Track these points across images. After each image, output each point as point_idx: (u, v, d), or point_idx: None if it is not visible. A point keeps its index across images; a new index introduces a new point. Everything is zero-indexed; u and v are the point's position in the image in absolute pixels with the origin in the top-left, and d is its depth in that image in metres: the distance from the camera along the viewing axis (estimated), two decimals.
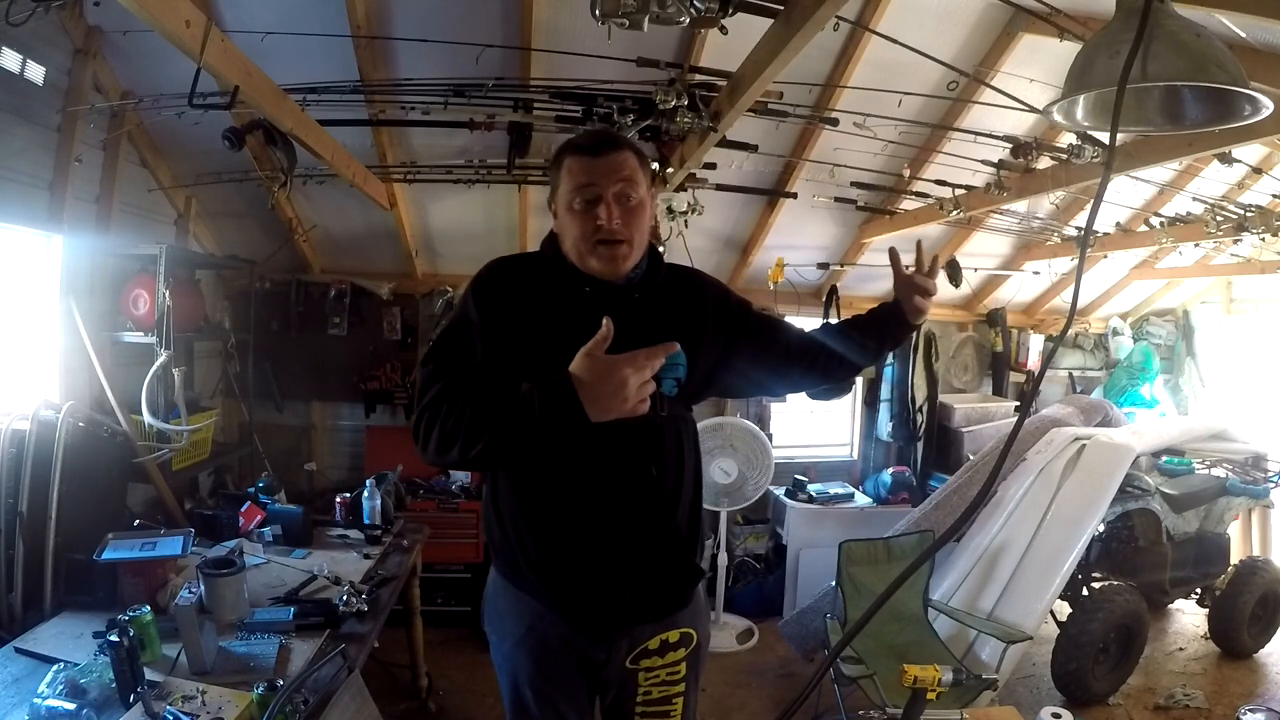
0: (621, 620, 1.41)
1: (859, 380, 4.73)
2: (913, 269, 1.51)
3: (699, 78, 2.45)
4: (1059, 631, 3.10)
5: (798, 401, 4.54)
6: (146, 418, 2.63)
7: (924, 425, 4.68)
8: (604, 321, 1.12)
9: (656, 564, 1.40)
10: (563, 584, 1.37)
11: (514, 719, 1.50)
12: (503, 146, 2.93)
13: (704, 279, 1.51)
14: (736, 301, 1.52)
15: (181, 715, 1.48)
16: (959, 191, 3.33)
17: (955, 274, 4.34)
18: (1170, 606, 3.94)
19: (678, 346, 1.16)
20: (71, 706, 1.44)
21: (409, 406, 4.10)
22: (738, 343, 1.46)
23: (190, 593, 1.81)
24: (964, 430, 4.62)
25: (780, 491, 4.28)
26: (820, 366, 1.53)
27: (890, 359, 4.75)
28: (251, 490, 2.99)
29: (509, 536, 1.41)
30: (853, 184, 3.54)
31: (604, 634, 1.41)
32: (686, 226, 3.52)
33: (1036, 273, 4.85)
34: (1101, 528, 3.23)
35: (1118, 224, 4.22)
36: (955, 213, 3.37)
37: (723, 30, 1.72)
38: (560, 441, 1.15)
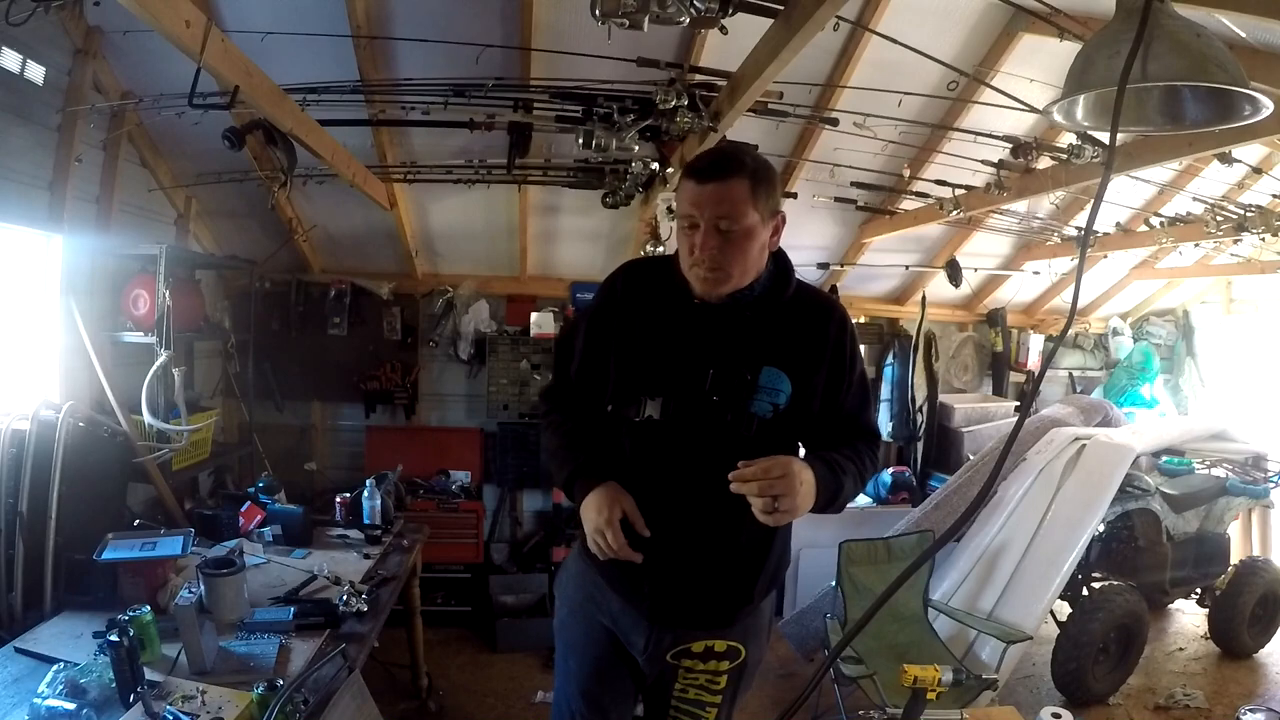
0: (665, 619, 1.44)
1: None
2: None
3: (699, 78, 2.45)
4: (1059, 631, 3.10)
5: None
6: (146, 418, 2.62)
7: (924, 425, 4.68)
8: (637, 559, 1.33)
9: (708, 579, 1.41)
10: (619, 567, 1.39)
11: (558, 685, 1.59)
12: (503, 146, 2.93)
13: (835, 311, 1.46)
14: (853, 348, 1.46)
15: (181, 715, 1.48)
16: (959, 191, 3.33)
17: (955, 274, 4.35)
18: (1170, 606, 3.94)
19: None
20: (71, 706, 1.44)
21: (409, 407, 4.10)
22: (839, 387, 1.42)
23: (190, 593, 1.80)
24: (964, 430, 4.62)
25: None
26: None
27: (890, 359, 4.76)
28: (251, 490, 2.98)
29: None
30: (853, 184, 3.54)
31: (648, 624, 1.45)
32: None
33: (1036, 273, 4.85)
34: (1101, 528, 3.23)
35: (1118, 224, 4.22)
36: (955, 213, 3.37)
37: (723, 30, 1.72)
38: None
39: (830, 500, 1.32)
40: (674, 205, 1.41)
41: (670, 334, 1.38)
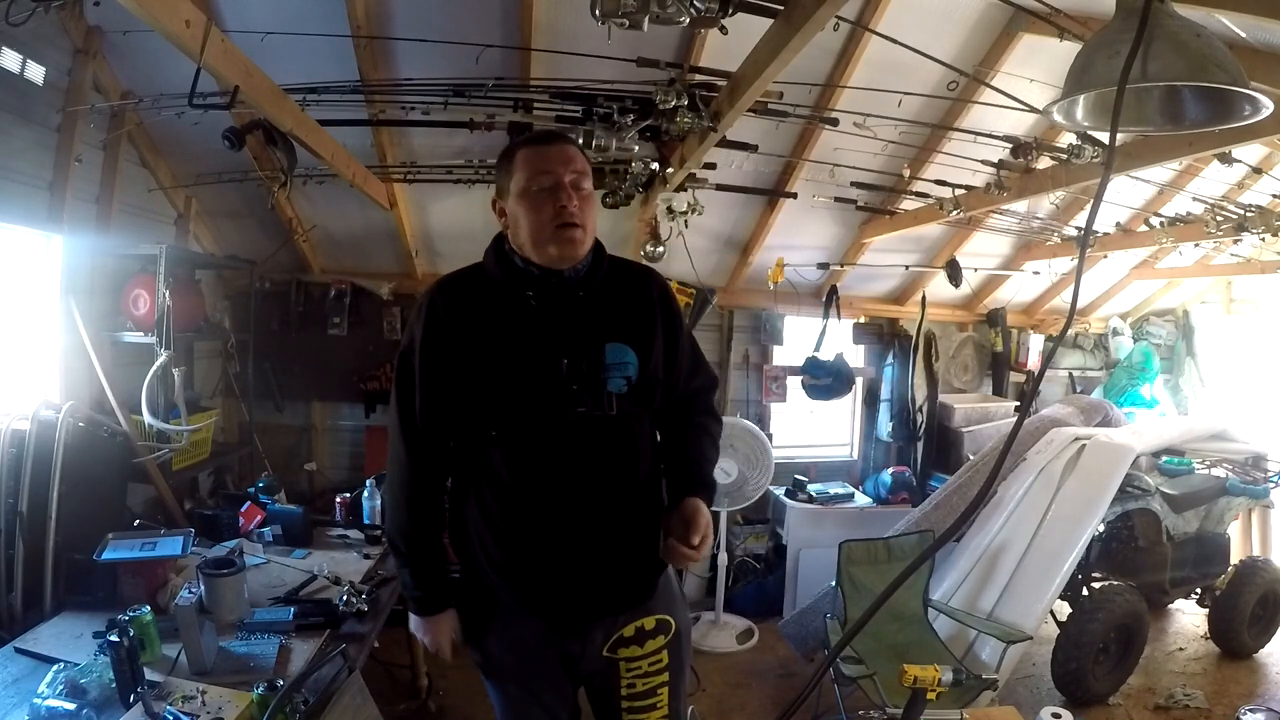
0: (588, 613, 1.43)
1: (859, 380, 4.73)
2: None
3: (699, 78, 2.45)
4: (1059, 631, 3.09)
5: (798, 401, 4.55)
6: (146, 418, 2.62)
7: (924, 425, 4.68)
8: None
9: (614, 558, 1.41)
10: (526, 582, 1.40)
11: (504, 710, 1.54)
12: (503, 146, 2.92)
13: (650, 275, 1.51)
14: (677, 307, 1.51)
15: (181, 715, 1.47)
16: (959, 191, 3.33)
17: (955, 274, 4.35)
18: (1170, 606, 3.93)
19: None
20: (71, 706, 1.44)
21: None
22: (675, 347, 1.48)
23: (190, 593, 1.80)
24: (964, 430, 4.62)
25: (780, 491, 4.28)
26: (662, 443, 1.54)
27: (890, 359, 4.76)
28: (251, 490, 2.98)
29: (472, 540, 1.45)
30: (853, 184, 3.54)
31: (575, 627, 1.43)
32: (686, 226, 3.52)
33: (1036, 273, 4.85)
34: (1101, 528, 3.22)
35: (1118, 224, 4.22)
36: (955, 213, 3.37)
37: (723, 30, 1.72)
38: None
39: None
40: (529, 181, 1.34)
41: (513, 335, 1.35)
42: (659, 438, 1.51)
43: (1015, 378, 5.34)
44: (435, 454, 1.44)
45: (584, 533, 1.38)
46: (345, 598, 2.06)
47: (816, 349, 4.38)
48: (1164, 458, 3.67)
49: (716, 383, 1.62)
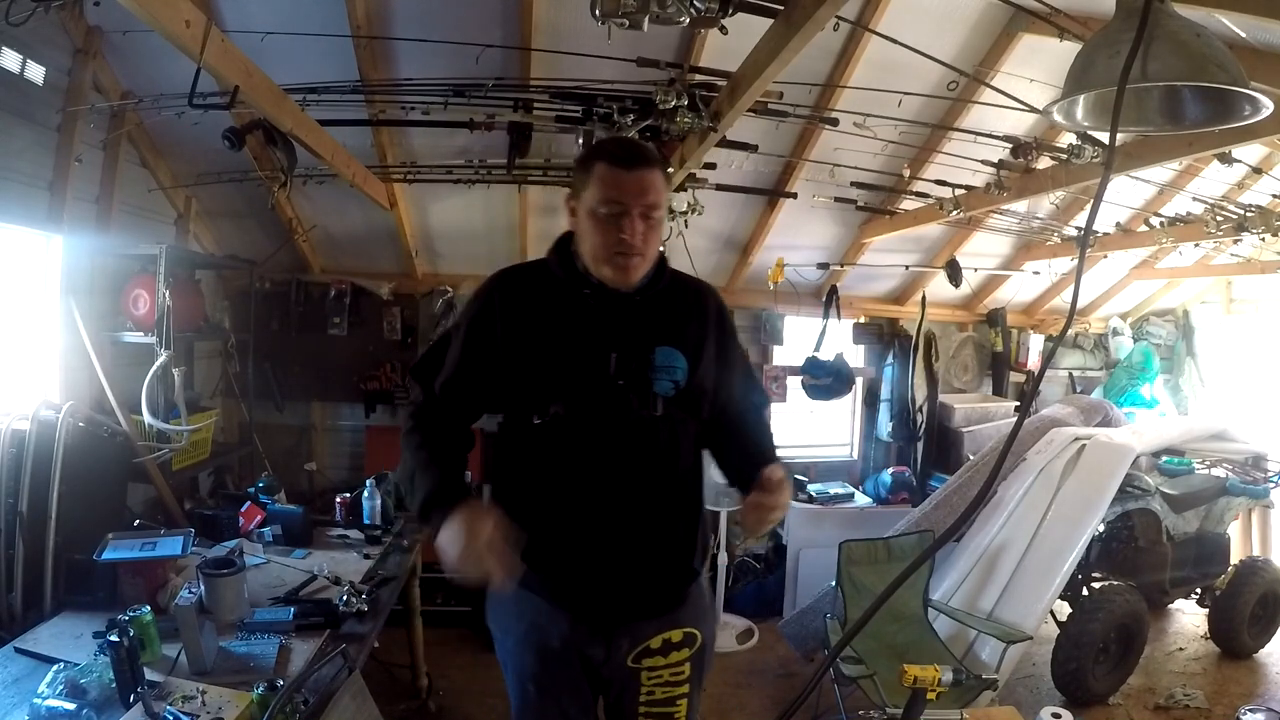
0: (618, 617, 1.42)
1: (859, 380, 4.73)
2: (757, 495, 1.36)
3: (699, 78, 2.45)
4: (1059, 631, 3.09)
5: (798, 401, 4.55)
6: (146, 418, 2.62)
7: (924, 425, 4.68)
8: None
9: (649, 562, 1.41)
10: (559, 579, 1.40)
11: (519, 714, 1.51)
12: (503, 146, 2.93)
13: (707, 290, 1.53)
14: (732, 325, 1.53)
15: (181, 715, 1.47)
16: (959, 191, 3.33)
17: (955, 274, 4.35)
18: (1170, 606, 3.93)
19: None
20: (71, 706, 1.44)
21: None
22: (728, 363, 1.48)
23: (190, 593, 1.80)
24: (964, 430, 4.62)
25: None
26: (720, 453, 1.54)
27: (890, 359, 4.76)
28: (251, 490, 2.98)
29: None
30: (853, 184, 3.54)
31: (603, 630, 1.42)
32: (686, 226, 3.52)
33: (1036, 273, 4.85)
34: (1101, 528, 3.22)
35: (1118, 224, 4.22)
36: (955, 213, 3.37)
37: (723, 30, 1.72)
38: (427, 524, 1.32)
39: None
40: (598, 204, 1.33)
41: (566, 329, 1.37)
42: (707, 452, 1.52)
43: (1015, 378, 5.34)
44: (446, 420, 1.43)
45: (618, 529, 1.38)
46: (345, 598, 2.06)
47: (816, 349, 4.38)
48: (1164, 458, 3.67)
49: (768, 402, 1.62)
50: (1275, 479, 3.69)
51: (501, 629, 1.51)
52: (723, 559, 3.93)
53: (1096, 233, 4.16)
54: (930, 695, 1.46)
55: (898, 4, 2.54)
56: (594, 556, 1.38)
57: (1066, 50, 2.06)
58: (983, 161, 3.11)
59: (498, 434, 1.44)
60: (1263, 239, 3.60)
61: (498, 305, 1.40)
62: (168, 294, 2.71)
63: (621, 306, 1.38)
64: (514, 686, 1.51)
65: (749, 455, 1.46)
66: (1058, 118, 1.25)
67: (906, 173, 3.41)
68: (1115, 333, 5.36)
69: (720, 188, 3.38)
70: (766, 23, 1.80)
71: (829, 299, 4.35)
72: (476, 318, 1.41)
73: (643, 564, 1.40)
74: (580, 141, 2.60)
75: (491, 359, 1.38)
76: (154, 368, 2.68)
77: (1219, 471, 3.69)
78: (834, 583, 2.92)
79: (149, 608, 1.73)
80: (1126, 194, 3.83)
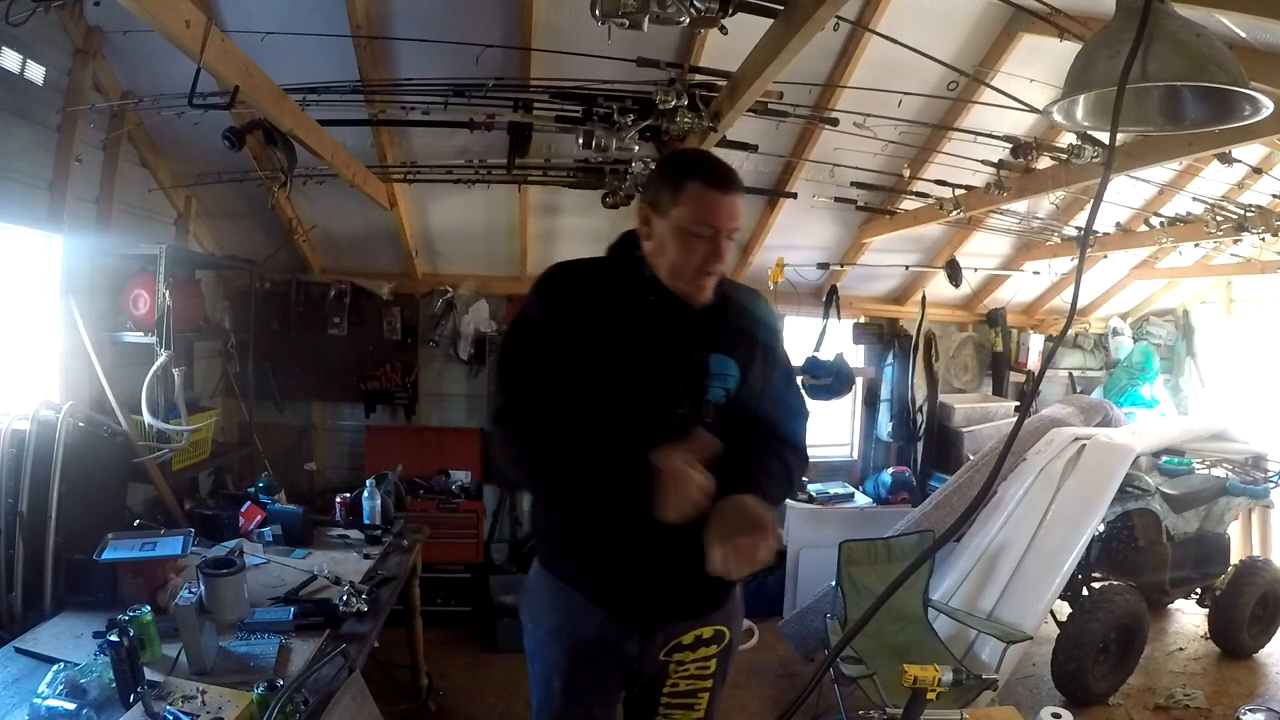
0: (658, 615, 1.44)
1: (859, 380, 4.73)
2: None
3: (699, 78, 2.45)
4: (1059, 631, 3.09)
5: None
6: (146, 418, 2.62)
7: (924, 425, 4.68)
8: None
9: (692, 566, 1.39)
10: (602, 575, 1.41)
11: (540, 705, 1.53)
12: (503, 146, 2.93)
13: (757, 297, 1.55)
14: (778, 331, 1.55)
15: (181, 715, 1.47)
16: (959, 191, 3.33)
17: (955, 274, 4.35)
18: (1170, 606, 3.93)
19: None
20: (71, 706, 1.44)
21: (409, 407, 4.10)
22: (771, 371, 1.49)
23: (190, 593, 1.80)
24: (964, 430, 4.62)
25: None
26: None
27: (890, 359, 4.76)
28: (251, 490, 2.98)
29: (554, 525, 1.46)
30: (853, 184, 3.54)
31: (640, 627, 1.44)
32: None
33: (1036, 273, 4.85)
34: (1101, 528, 3.22)
35: (1118, 224, 4.22)
36: (955, 213, 3.37)
37: (723, 30, 1.72)
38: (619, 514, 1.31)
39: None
40: (690, 223, 1.32)
41: (627, 329, 1.37)
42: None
43: (1015, 378, 5.34)
44: (543, 415, 1.40)
45: (663, 532, 1.35)
46: (345, 598, 2.06)
47: (816, 349, 4.38)
48: (1164, 458, 3.67)
49: (806, 413, 1.55)
50: (1275, 479, 3.69)
51: (534, 620, 1.53)
52: None
53: (1096, 233, 4.16)
54: (930, 695, 1.46)
55: (898, 4, 2.54)
56: (637, 557, 1.39)
57: (1066, 50, 2.06)
58: (983, 161, 3.11)
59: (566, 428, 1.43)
60: (1263, 239, 3.60)
61: (562, 303, 1.40)
62: (168, 294, 2.71)
63: (682, 314, 1.39)
64: (539, 679, 1.53)
65: (743, 469, 1.39)
66: (1058, 118, 1.25)
67: (906, 173, 3.41)
68: (1115, 333, 5.37)
69: None
70: (766, 23, 1.80)
71: (829, 299, 4.35)
72: (546, 318, 1.39)
73: (686, 568, 1.38)
74: (580, 141, 2.59)
75: (562, 357, 1.38)
76: (154, 368, 2.67)
77: (1219, 471, 3.69)
78: (834, 583, 2.92)
79: (149, 608, 1.73)
80: (1126, 194, 3.83)
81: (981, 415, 4.76)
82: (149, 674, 1.60)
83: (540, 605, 1.51)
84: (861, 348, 4.85)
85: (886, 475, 4.43)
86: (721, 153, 2.97)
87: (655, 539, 1.36)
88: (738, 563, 1.24)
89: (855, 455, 4.99)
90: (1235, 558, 3.76)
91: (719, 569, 1.24)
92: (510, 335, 1.46)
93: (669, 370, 1.37)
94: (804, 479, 4.08)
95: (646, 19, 1.58)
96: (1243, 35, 2.00)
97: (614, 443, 1.34)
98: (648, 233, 1.40)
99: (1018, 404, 5.09)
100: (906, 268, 4.55)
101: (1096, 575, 3.35)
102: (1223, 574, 3.62)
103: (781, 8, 1.72)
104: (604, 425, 1.36)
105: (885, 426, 4.68)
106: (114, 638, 1.51)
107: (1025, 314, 5.42)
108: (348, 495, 2.91)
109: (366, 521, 2.79)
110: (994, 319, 5.15)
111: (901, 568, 2.79)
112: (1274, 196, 3.68)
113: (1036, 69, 2.77)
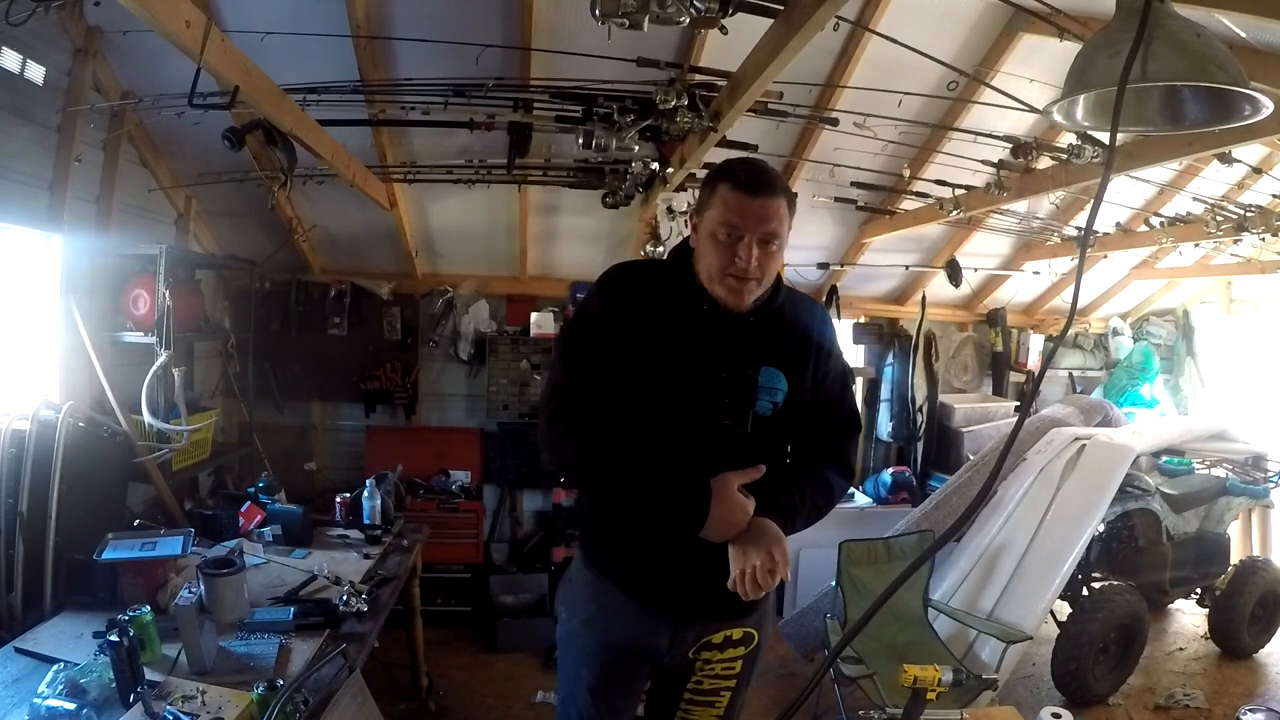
0: (691, 614, 1.46)
1: (859, 380, 4.73)
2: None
3: (699, 78, 2.45)
4: (1059, 631, 3.09)
5: None
6: (146, 418, 2.62)
7: (924, 425, 4.68)
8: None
9: (726, 572, 1.39)
10: (638, 572, 1.43)
11: (565, 693, 1.56)
12: (503, 146, 2.93)
13: (819, 312, 1.54)
14: (833, 343, 1.51)
15: (181, 715, 1.47)
16: (959, 191, 3.33)
17: (955, 274, 4.35)
18: (1170, 606, 3.94)
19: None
20: (71, 706, 1.44)
21: (409, 407, 4.10)
22: (821, 384, 1.47)
23: (190, 593, 1.80)
24: (964, 430, 4.62)
25: None
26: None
27: (890, 359, 4.76)
28: (251, 490, 2.98)
29: (595, 520, 1.48)
30: (853, 184, 3.54)
31: (672, 624, 1.46)
32: (686, 226, 3.51)
33: (1036, 273, 4.85)
34: (1101, 528, 3.22)
35: (1118, 224, 4.22)
36: (955, 213, 3.37)
37: (723, 30, 1.72)
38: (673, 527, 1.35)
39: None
40: (718, 225, 1.33)
41: (681, 337, 1.38)
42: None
43: (1015, 378, 5.34)
44: (601, 421, 1.40)
45: (701, 540, 1.37)
46: (345, 598, 2.06)
47: None
48: (1164, 458, 3.67)
49: (858, 427, 1.55)
50: (1275, 479, 3.69)
51: (569, 609, 1.56)
52: None
53: (1096, 233, 4.16)
54: (930, 695, 1.46)
55: (898, 4, 2.54)
56: (674, 559, 1.40)
57: (1066, 50, 2.06)
58: (983, 161, 3.11)
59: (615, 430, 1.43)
60: (1263, 239, 3.60)
61: (618, 306, 1.40)
62: (168, 294, 2.71)
63: (734, 325, 1.39)
64: (568, 667, 1.56)
65: (778, 490, 1.41)
66: (1058, 118, 1.25)
67: (906, 173, 3.41)
68: (1115, 333, 5.36)
69: None
70: (766, 23, 1.80)
71: (829, 299, 4.35)
72: (605, 319, 1.40)
73: (720, 573, 1.38)
74: (580, 141, 2.59)
75: (616, 358, 1.38)
76: (154, 368, 2.67)
77: (1219, 471, 3.70)
78: (834, 583, 2.92)
79: (149, 608, 1.73)
80: (1126, 194, 3.83)
81: (981, 415, 4.76)
82: (149, 674, 1.60)
83: (576, 596, 1.55)
84: (861, 348, 4.85)
85: (886, 475, 4.43)
86: (722, 153, 2.97)
87: (693, 544, 1.38)
88: (752, 585, 1.28)
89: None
90: (1235, 558, 3.77)
91: (735, 588, 1.30)
92: (571, 330, 1.46)
93: (718, 382, 1.37)
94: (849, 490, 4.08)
95: (646, 19, 1.58)
96: (1243, 35, 2.00)
97: (661, 450, 1.36)
98: (694, 240, 1.42)
99: (1018, 404, 5.09)
100: (906, 268, 4.54)
101: (1096, 575, 3.35)
102: (1223, 574, 3.63)
103: (781, 8, 1.71)
104: (652, 430, 1.38)
105: (885, 426, 4.68)
106: (114, 638, 1.51)
107: (1025, 314, 5.42)
108: (348, 495, 2.92)
109: (366, 521, 2.79)
110: (994, 319, 5.15)
111: (901, 568, 2.79)
112: (1274, 196, 3.67)
113: (1036, 69, 2.77)
